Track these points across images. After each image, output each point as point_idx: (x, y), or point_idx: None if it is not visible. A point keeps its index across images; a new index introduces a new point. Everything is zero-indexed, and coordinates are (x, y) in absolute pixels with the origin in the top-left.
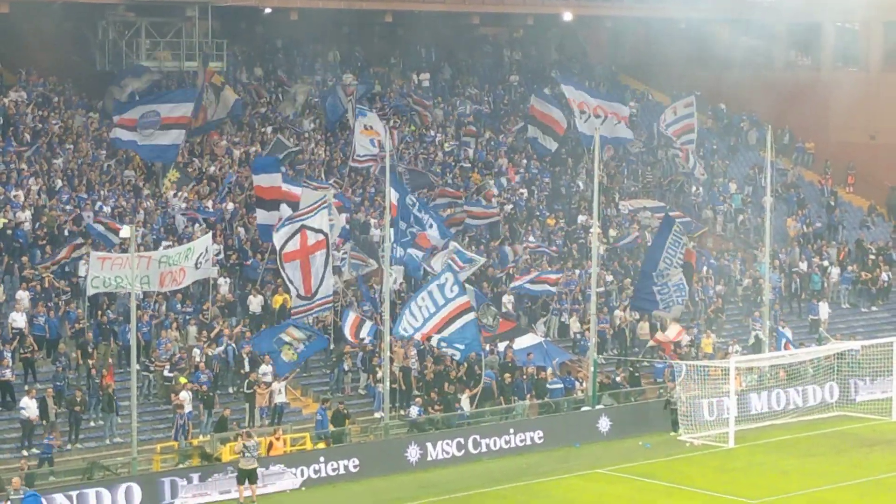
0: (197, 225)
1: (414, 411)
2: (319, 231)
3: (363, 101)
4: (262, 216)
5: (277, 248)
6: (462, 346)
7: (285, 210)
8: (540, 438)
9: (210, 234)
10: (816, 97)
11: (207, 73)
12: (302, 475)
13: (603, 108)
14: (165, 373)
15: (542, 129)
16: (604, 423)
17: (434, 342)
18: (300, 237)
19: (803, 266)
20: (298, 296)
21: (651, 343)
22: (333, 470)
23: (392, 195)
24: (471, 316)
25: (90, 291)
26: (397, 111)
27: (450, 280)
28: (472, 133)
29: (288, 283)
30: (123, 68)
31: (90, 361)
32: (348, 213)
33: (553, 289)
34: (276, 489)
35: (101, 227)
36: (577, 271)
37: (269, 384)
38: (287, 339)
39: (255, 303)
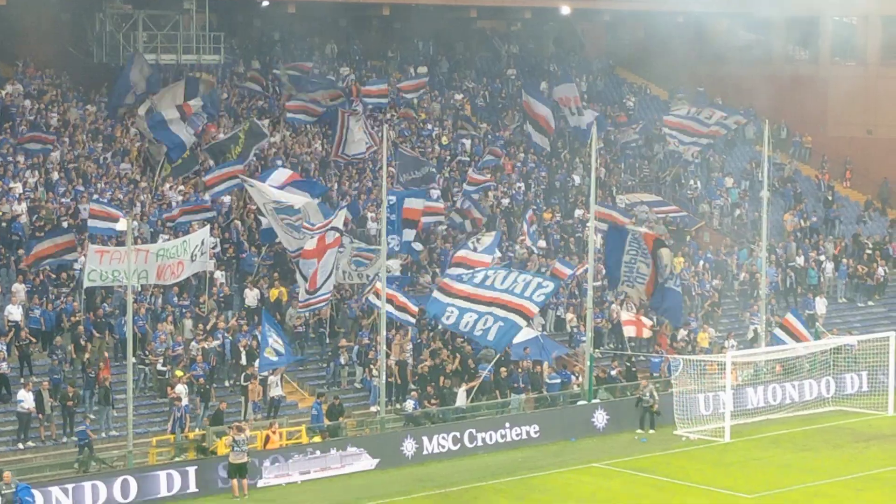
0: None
1: (409, 405)
2: (336, 229)
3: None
4: (266, 220)
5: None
6: (493, 335)
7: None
8: (536, 432)
9: (208, 227)
10: (814, 91)
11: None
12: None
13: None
14: (159, 367)
15: (534, 126)
16: (600, 418)
17: (455, 303)
18: (320, 236)
19: (800, 261)
20: (306, 290)
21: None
22: None
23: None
24: (522, 322)
25: (86, 284)
26: (394, 104)
27: (549, 288)
28: (467, 129)
29: (301, 279)
30: (121, 62)
31: (84, 355)
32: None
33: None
34: (353, 469)
35: (97, 222)
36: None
37: (259, 378)
38: (270, 342)
39: (250, 296)
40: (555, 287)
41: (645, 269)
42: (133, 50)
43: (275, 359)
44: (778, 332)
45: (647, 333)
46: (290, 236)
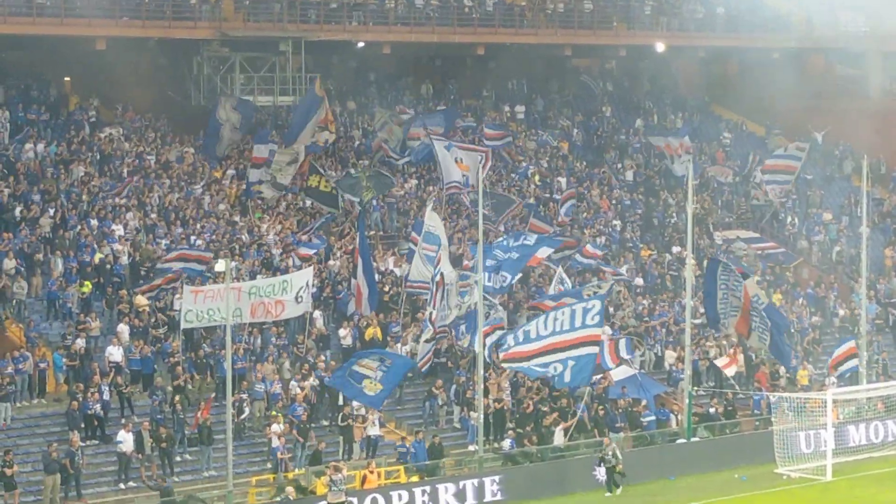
0: (292, 259)
1: (506, 444)
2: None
3: (456, 134)
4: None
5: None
6: (569, 375)
7: None
8: (634, 471)
9: (311, 268)
10: None
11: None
12: None
13: (684, 144)
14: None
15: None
16: (699, 456)
17: (531, 363)
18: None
19: None
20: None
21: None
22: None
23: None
24: (594, 349)
25: (184, 325)
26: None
27: (596, 307)
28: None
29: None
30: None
31: (177, 396)
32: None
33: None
34: None
35: (187, 263)
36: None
37: (364, 417)
38: (361, 371)
39: (346, 336)
40: (599, 299)
41: (736, 301)
42: (231, 91)
43: (371, 394)
44: None
45: (735, 370)
46: (423, 266)
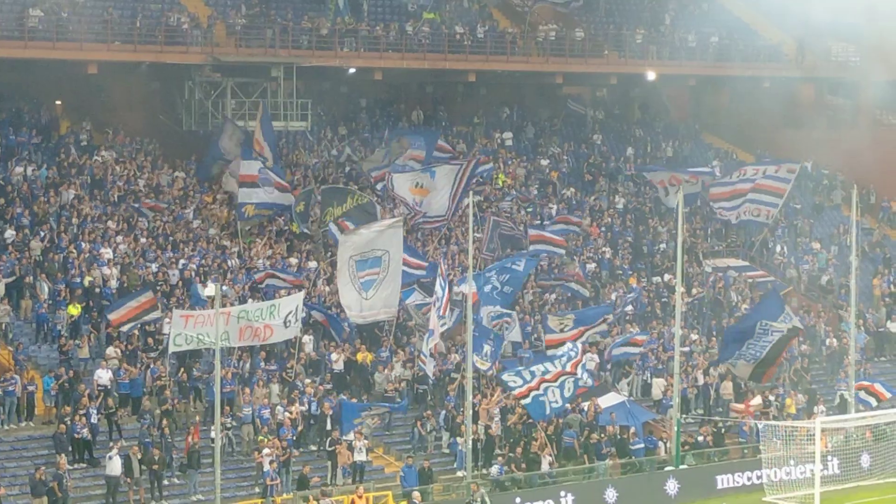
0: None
1: (495, 470)
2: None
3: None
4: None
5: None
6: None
7: None
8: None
9: (301, 293)
10: None
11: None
12: None
13: (677, 177)
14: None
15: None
16: (688, 484)
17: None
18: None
19: (892, 326)
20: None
21: (732, 412)
22: None
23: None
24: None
25: (172, 349)
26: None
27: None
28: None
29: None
30: (210, 129)
31: (165, 420)
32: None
33: (636, 350)
34: None
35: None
36: (661, 331)
37: (349, 442)
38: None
39: (337, 360)
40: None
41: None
42: (221, 117)
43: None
44: (863, 395)
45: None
46: (360, 295)
